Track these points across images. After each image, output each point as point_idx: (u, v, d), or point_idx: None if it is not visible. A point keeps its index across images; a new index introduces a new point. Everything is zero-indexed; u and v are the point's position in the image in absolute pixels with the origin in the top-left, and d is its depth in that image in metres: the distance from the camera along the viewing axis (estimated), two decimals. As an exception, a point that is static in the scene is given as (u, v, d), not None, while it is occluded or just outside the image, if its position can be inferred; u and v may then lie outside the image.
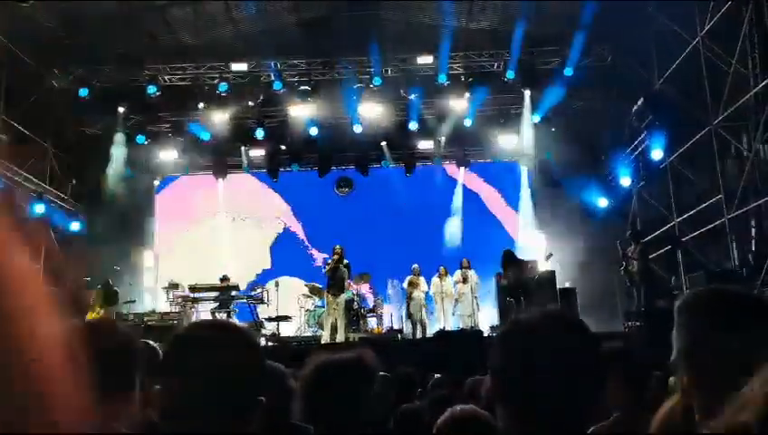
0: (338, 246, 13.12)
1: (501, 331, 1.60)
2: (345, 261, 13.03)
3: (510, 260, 12.97)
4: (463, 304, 14.40)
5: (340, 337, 12.64)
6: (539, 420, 1.41)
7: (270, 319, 14.95)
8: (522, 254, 14.11)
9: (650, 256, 13.09)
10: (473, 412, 2.14)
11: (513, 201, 18.92)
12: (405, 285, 14.79)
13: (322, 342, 12.70)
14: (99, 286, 14.02)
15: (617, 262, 13.66)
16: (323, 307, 13.92)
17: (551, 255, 14.27)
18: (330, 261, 13.06)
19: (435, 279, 14.80)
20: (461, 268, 14.65)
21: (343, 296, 13.07)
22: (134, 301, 15.02)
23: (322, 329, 13.41)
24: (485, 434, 2.09)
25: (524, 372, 1.42)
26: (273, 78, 16.48)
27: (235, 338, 1.57)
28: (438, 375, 5.84)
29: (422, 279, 14.64)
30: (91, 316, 13.08)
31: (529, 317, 1.54)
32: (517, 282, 12.54)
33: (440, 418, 2.11)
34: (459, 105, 17.06)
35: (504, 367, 1.48)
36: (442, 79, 16.30)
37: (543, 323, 1.50)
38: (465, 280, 14.44)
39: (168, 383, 1.52)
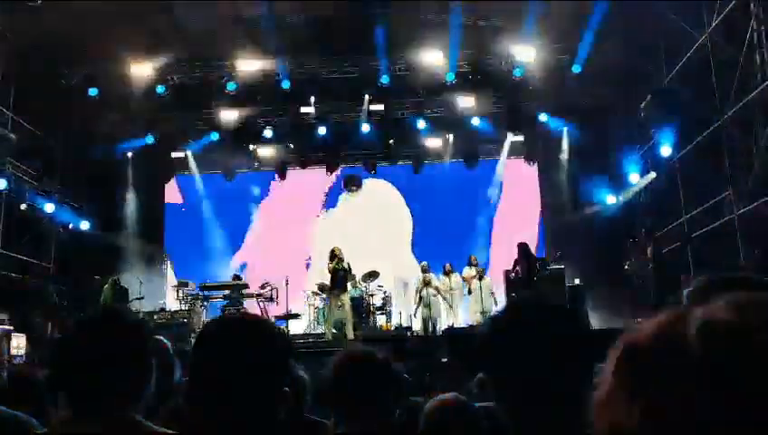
0: (336, 248, 13.19)
1: (483, 327, 1.63)
2: (346, 262, 13.11)
3: (523, 255, 12.96)
4: (475, 301, 14.38)
5: (350, 335, 12.71)
6: (525, 413, 1.41)
7: (279, 317, 14.97)
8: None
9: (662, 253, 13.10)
10: (456, 399, 2.22)
11: (521, 198, 18.87)
12: (415, 282, 14.78)
13: (325, 338, 12.87)
14: (105, 286, 14.09)
15: (627, 258, 13.66)
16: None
17: (559, 254, 14.24)
18: (329, 263, 13.11)
19: (442, 277, 14.80)
20: (470, 265, 14.63)
21: (347, 295, 13.15)
22: (142, 298, 15.04)
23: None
24: (470, 419, 2.17)
25: (500, 365, 1.46)
26: (281, 77, 16.49)
27: (265, 331, 1.65)
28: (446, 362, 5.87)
29: (432, 276, 14.62)
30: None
31: (502, 311, 1.58)
32: (523, 278, 12.52)
33: (428, 404, 2.21)
34: (467, 103, 17.02)
35: (484, 361, 1.52)
36: (450, 77, 16.27)
37: (511, 316, 1.54)
38: (481, 277, 14.40)
39: (197, 374, 1.58)
